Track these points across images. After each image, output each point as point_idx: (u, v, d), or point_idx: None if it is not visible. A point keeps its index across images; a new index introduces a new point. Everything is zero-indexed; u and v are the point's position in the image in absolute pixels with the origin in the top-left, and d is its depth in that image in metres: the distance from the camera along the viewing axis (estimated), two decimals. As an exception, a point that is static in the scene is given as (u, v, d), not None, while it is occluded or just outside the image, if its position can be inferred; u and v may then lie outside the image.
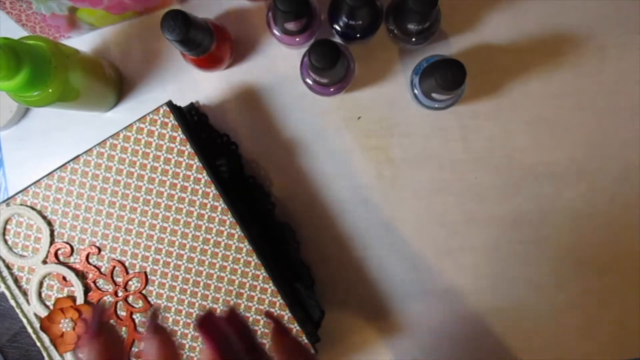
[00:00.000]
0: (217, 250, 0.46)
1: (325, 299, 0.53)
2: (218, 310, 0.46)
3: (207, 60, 0.49)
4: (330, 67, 0.42)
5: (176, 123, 0.46)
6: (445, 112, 0.52)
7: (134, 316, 0.47)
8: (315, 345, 0.47)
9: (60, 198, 0.46)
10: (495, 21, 0.52)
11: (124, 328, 0.47)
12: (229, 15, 0.53)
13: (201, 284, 0.46)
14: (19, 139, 0.55)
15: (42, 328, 0.46)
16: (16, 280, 0.47)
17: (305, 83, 0.49)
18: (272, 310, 0.46)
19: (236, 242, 0.46)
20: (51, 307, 0.47)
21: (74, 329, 0.46)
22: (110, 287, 0.47)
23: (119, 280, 0.47)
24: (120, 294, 0.47)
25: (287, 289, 0.49)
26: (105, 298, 0.47)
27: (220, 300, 0.46)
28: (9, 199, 0.46)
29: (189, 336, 0.47)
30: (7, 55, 0.39)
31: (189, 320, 0.47)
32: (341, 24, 0.48)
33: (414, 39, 0.48)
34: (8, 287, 0.47)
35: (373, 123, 0.53)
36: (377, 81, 0.52)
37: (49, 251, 0.46)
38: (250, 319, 0.46)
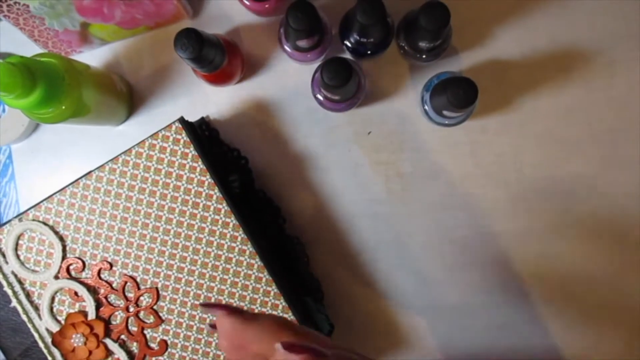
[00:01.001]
0: (228, 266, 0.46)
1: (334, 313, 0.53)
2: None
3: (219, 75, 0.50)
4: (343, 85, 0.43)
5: (188, 140, 0.46)
6: (455, 128, 0.51)
7: (145, 331, 0.47)
8: (325, 361, 0.47)
9: (73, 213, 0.47)
10: (505, 37, 0.52)
11: (135, 343, 0.47)
12: (239, 31, 0.53)
13: (212, 299, 0.47)
14: (30, 153, 0.56)
15: (53, 343, 0.47)
16: (28, 295, 0.47)
17: (316, 99, 0.50)
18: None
19: (247, 258, 0.46)
20: (63, 322, 0.47)
21: (85, 344, 0.46)
22: (121, 303, 0.47)
23: (131, 295, 0.47)
24: (131, 309, 0.47)
25: (297, 303, 0.49)
26: (116, 313, 0.47)
27: (231, 316, 0.47)
28: (21, 214, 0.47)
29: (200, 352, 0.47)
30: (22, 74, 0.39)
31: (200, 336, 0.47)
32: (352, 40, 0.48)
33: (424, 56, 0.48)
34: (20, 302, 0.47)
35: (383, 138, 0.53)
36: (387, 97, 0.53)
37: (60, 266, 0.47)
38: (261, 335, 0.47)
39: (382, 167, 0.53)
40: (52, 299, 0.47)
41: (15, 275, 0.47)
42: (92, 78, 0.47)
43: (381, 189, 0.53)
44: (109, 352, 0.47)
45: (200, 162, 0.46)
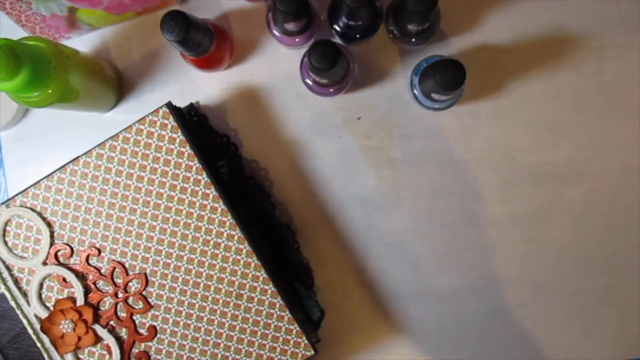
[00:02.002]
0: (217, 251, 0.46)
1: (324, 299, 0.53)
2: (218, 312, 0.46)
3: (207, 60, 0.49)
4: (330, 68, 0.42)
5: (176, 124, 0.46)
6: (445, 113, 0.51)
7: (134, 317, 0.47)
8: (315, 346, 0.47)
9: (60, 199, 0.46)
10: (495, 21, 0.52)
11: (124, 329, 0.47)
12: (228, 16, 0.53)
13: (201, 285, 0.46)
14: (19, 140, 0.55)
15: (42, 329, 0.46)
16: (16, 282, 0.47)
17: (305, 83, 0.49)
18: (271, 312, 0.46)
19: (236, 243, 0.46)
20: (51, 308, 0.47)
21: (74, 330, 0.46)
22: (110, 289, 0.47)
23: (119, 281, 0.47)
24: (120, 295, 0.47)
25: (287, 289, 0.49)
26: (105, 299, 0.47)
27: (221, 301, 0.46)
28: (8, 200, 0.46)
29: (189, 337, 0.47)
30: (7, 56, 0.39)
31: (189, 322, 0.47)
32: (341, 24, 0.48)
33: (413, 40, 0.48)
34: (8, 289, 0.47)
35: (373, 123, 0.53)
36: (376, 81, 0.52)
37: (49, 252, 0.46)
38: (250, 320, 0.46)
39: (372, 152, 0.53)
40: (41, 285, 0.47)
41: (3, 262, 0.47)
42: (79, 63, 0.47)
43: (371, 175, 0.53)
44: (98, 338, 0.47)
45: (188, 147, 0.46)
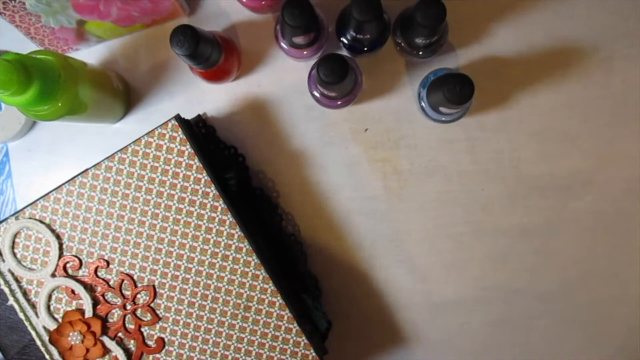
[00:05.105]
0: (224, 263, 0.46)
1: (331, 310, 0.53)
2: (225, 324, 0.46)
3: (215, 73, 0.50)
4: (339, 82, 0.43)
5: (184, 137, 0.46)
6: (452, 124, 0.52)
7: (142, 329, 0.47)
8: (323, 358, 0.47)
9: (69, 211, 0.46)
10: (502, 34, 0.52)
11: (132, 341, 0.47)
12: (236, 27, 0.53)
13: (209, 297, 0.47)
14: (27, 150, 0.56)
15: (51, 341, 0.46)
16: (25, 294, 0.47)
17: (313, 96, 0.50)
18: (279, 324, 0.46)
19: (244, 255, 0.46)
20: (60, 320, 0.47)
21: (82, 341, 0.46)
22: (118, 300, 0.47)
23: (128, 293, 0.47)
24: (128, 307, 0.47)
25: (294, 300, 0.49)
26: (113, 311, 0.47)
27: (228, 313, 0.47)
28: (17, 212, 0.47)
29: (197, 349, 0.47)
30: (17, 71, 0.39)
31: (196, 334, 0.47)
32: (349, 37, 0.48)
33: (421, 53, 0.48)
34: (17, 300, 0.47)
35: (380, 135, 0.53)
36: (384, 93, 0.52)
37: (57, 264, 0.47)
38: (258, 332, 0.47)
39: (379, 164, 0.53)
40: (49, 297, 0.47)
41: (12, 274, 0.47)
42: (88, 75, 0.47)
43: (378, 186, 0.53)
44: (106, 350, 0.47)
45: (196, 160, 0.46)
